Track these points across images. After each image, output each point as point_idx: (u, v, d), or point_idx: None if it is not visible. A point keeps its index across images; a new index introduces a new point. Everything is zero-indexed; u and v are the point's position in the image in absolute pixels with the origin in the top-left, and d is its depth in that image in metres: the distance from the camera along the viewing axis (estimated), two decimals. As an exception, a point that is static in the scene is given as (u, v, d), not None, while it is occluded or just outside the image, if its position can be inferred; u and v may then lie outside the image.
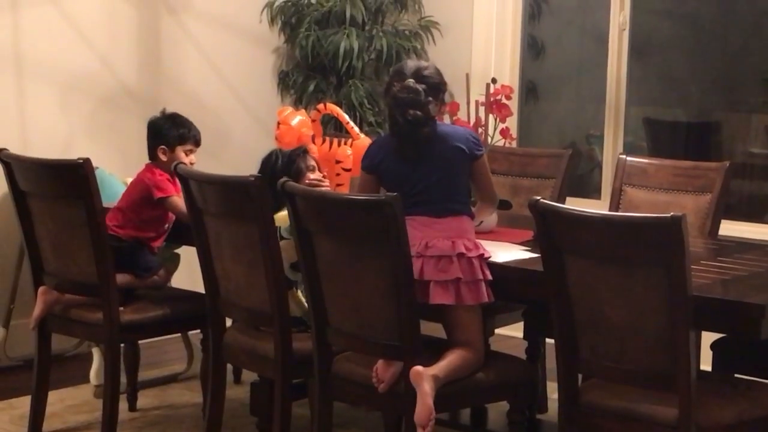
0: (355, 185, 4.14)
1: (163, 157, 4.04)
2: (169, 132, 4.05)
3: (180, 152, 4.04)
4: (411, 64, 3.52)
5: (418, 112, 3.34)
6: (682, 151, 6.39)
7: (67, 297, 4.02)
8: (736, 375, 3.49)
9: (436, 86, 3.44)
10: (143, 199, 4.01)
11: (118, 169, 4.85)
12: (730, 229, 4.38)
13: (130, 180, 4.32)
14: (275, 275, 3.47)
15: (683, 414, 2.87)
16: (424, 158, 3.38)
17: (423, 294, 3.23)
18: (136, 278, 4.05)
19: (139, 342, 4.37)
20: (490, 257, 3.32)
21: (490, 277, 3.29)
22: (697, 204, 4.13)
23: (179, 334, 4.75)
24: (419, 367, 3.13)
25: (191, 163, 4.04)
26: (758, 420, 3.07)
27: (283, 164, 3.73)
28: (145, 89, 5.42)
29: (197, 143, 4.11)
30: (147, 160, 4.11)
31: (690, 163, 4.34)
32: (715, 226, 4.10)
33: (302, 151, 3.81)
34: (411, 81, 3.38)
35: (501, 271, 3.31)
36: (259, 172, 3.65)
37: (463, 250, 3.27)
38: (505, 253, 3.43)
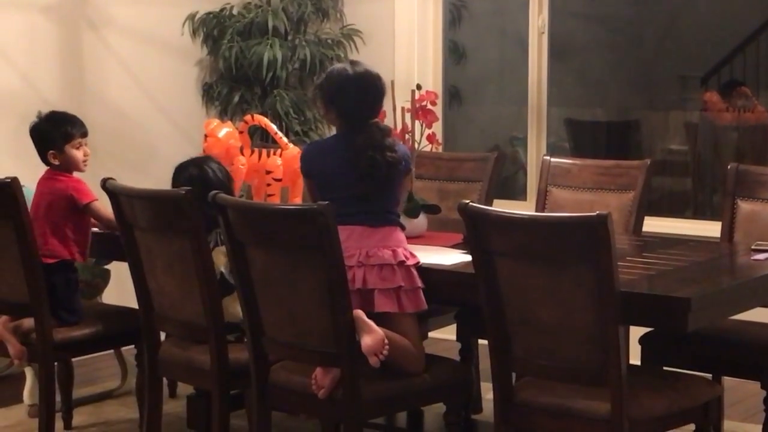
0: (285, 196, 4.18)
1: (56, 162, 3.93)
2: (52, 134, 3.93)
3: (70, 150, 3.93)
4: (358, 72, 3.40)
5: (395, 155, 3.36)
6: (603, 150, 6.51)
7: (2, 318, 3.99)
8: (664, 367, 3.58)
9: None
10: (67, 209, 3.91)
11: (44, 187, 4.80)
12: (653, 225, 4.46)
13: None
14: (209, 287, 3.47)
15: (615, 408, 2.94)
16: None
17: (367, 303, 3.25)
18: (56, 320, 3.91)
19: (72, 359, 4.34)
20: (420, 264, 3.34)
21: (423, 285, 3.31)
22: (620, 202, 4.21)
23: (112, 351, 4.72)
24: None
25: (86, 155, 3.95)
26: (687, 410, 3.16)
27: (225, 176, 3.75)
28: (69, 105, 5.31)
29: (84, 134, 3.98)
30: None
31: (612, 162, 4.42)
32: (639, 223, 4.18)
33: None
34: (380, 122, 3.39)
35: (434, 274, 3.34)
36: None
37: (403, 259, 3.30)
38: (447, 256, 3.47)
